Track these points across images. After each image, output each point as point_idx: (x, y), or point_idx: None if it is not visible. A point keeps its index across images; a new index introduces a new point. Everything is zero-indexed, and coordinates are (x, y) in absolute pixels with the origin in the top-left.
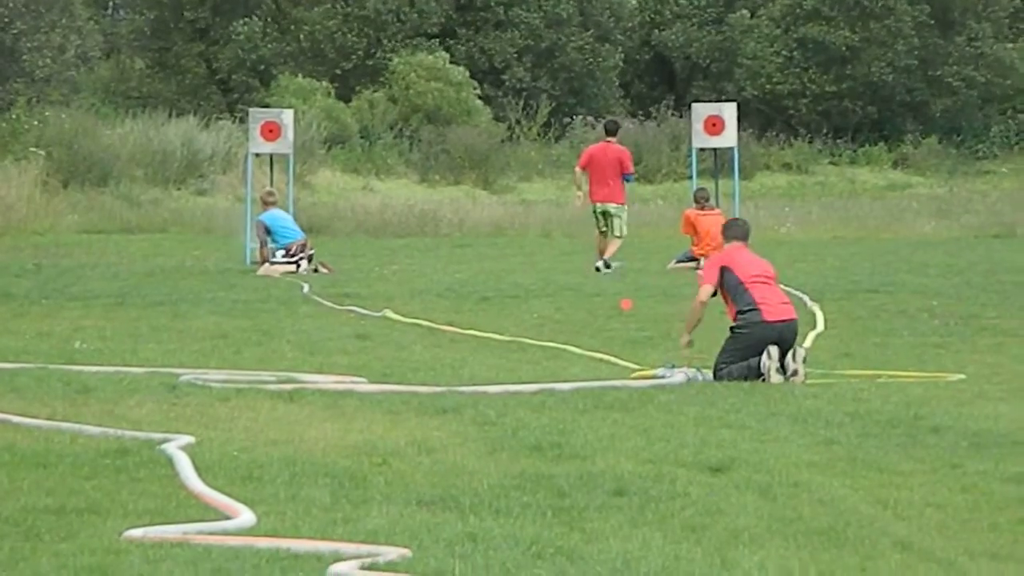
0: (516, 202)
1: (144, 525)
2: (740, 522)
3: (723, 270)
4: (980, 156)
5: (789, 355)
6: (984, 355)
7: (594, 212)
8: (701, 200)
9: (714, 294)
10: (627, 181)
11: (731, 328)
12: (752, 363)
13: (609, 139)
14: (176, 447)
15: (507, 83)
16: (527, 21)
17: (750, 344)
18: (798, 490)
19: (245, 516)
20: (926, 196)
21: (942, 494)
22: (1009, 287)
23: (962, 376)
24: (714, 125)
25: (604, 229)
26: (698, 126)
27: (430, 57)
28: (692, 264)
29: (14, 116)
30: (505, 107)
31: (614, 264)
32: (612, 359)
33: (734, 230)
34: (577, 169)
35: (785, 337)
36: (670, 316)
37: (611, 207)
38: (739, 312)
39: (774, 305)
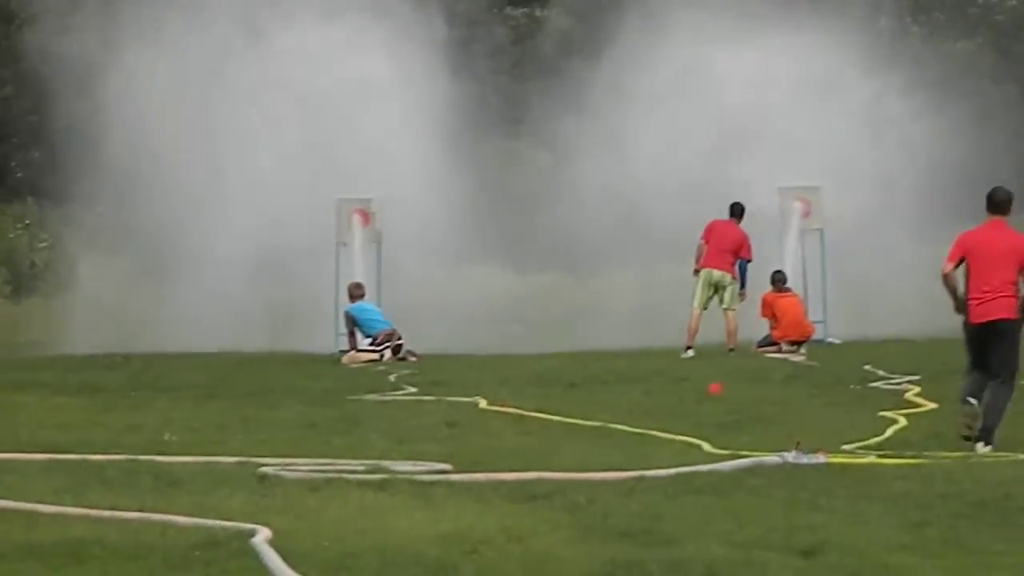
0: (604, 287)
1: None
2: None
3: (963, 258)
4: None
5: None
6: None
7: (700, 281)
8: (778, 282)
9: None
10: (742, 266)
11: None
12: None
13: (734, 219)
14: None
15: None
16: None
17: (968, 342)
18: (889, 573)
19: None
20: None
21: None
22: None
23: None
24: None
25: (703, 307)
26: (788, 207)
27: (516, 143)
28: (774, 348)
29: (100, 209)
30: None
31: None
32: (701, 443)
33: (991, 202)
34: (700, 241)
35: (984, 342)
36: (759, 399)
37: (726, 278)
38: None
39: (982, 306)
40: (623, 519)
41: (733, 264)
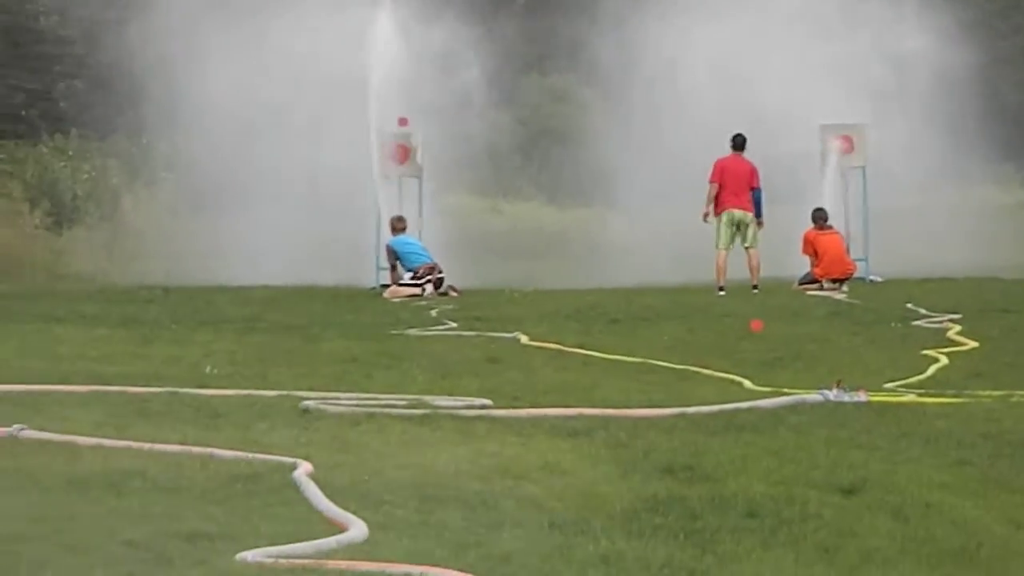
0: (646, 223)
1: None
2: (872, 543)
3: None
4: None
5: None
6: None
7: (723, 222)
8: (819, 220)
9: None
10: (756, 196)
11: None
12: None
13: (737, 152)
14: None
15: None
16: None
17: None
18: (930, 511)
19: (357, 529)
20: None
21: None
22: None
23: None
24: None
25: (727, 246)
26: (828, 145)
27: (559, 79)
28: (815, 286)
29: (144, 140)
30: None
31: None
32: (742, 380)
33: None
34: (712, 182)
35: None
36: (800, 337)
37: (747, 216)
38: None
39: None
40: (664, 455)
41: (750, 202)
